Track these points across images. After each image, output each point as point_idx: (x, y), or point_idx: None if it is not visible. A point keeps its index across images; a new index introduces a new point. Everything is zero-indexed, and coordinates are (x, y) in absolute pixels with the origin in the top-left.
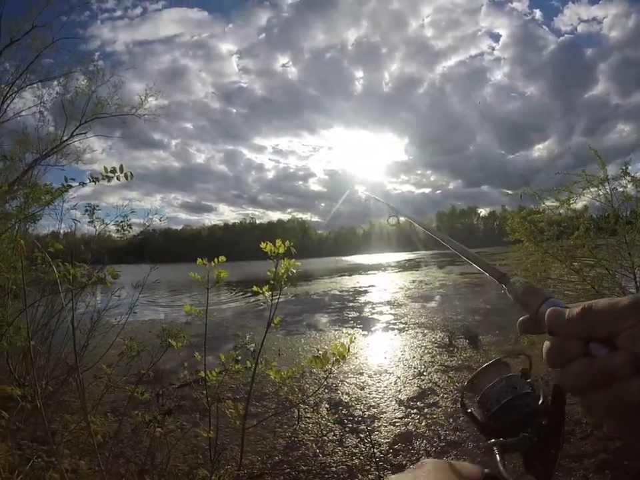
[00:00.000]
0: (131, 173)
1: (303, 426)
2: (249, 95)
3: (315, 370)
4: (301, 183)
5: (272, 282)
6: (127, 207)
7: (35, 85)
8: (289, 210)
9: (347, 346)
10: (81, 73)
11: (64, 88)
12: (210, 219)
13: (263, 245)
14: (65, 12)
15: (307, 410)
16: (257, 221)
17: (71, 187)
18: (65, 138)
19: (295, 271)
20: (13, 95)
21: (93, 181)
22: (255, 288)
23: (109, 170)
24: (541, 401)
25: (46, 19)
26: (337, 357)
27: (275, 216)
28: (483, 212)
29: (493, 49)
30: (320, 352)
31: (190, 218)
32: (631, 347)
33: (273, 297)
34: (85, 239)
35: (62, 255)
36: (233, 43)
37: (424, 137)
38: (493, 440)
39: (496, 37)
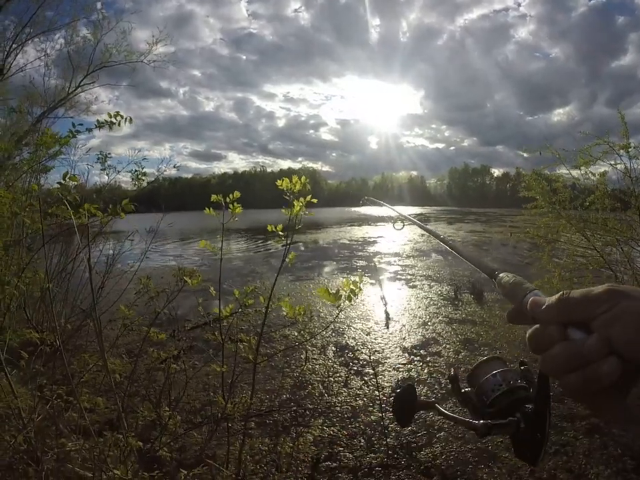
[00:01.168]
0: (130, 117)
1: (310, 367)
2: (258, 41)
3: (322, 314)
4: (312, 131)
5: (288, 221)
6: (138, 156)
7: (38, 38)
8: (300, 159)
9: (358, 283)
10: (84, 23)
11: (69, 38)
12: (220, 167)
13: (279, 183)
14: None
15: (314, 352)
16: (268, 169)
17: (79, 132)
18: (72, 89)
19: (308, 212)
20: (17, 50)
21: (99, 127)
22: (269, 227)
23: (112, 115)
24: (531, 390)
25: None
26: (349, 294)
27: (285, 164)
28: (496, 172)
29: (519, 4)
30: (318, 293)
31: (199, 166)
32: (603, 331)
33: (288, 235)
34: (97, 188)
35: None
36: None
37: (440, 91)
38: (482, 421)
39: None
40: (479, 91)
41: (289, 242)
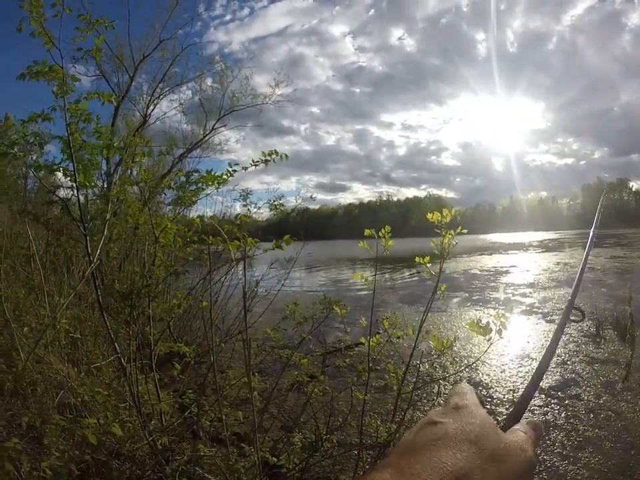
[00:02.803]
0: (285, 154)
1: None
2: (369, 72)
3: (456, 348)
4: (433, 157)
5: (436, 252)
6: (274, 191)
7: (170, 91)
8: (423, 186)
9: (507, 316)
10: (210, 74)
11: (199, 88)
12: (345, 198)
13: (429, 216)
14: (183, 25)
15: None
16: (394, 198)
17: (235, 171)
18: (206, 133)
19: (457, 242)
20: (155, 102)
21: (254, 165)
22: (417, 258)
23: (266, 154)
24: None
25: (167, 33)
26: (500, 327)
27: (409, 192)
28: (634, 185)
29: None
30: (460, 330)
31: (325, 198)
32: None
33: (440, 267)
34: (244, 219)
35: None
36: (344, 23)
37: (561, 100)
38: None
39: None
40: (602, 94)
41: (440, 271)
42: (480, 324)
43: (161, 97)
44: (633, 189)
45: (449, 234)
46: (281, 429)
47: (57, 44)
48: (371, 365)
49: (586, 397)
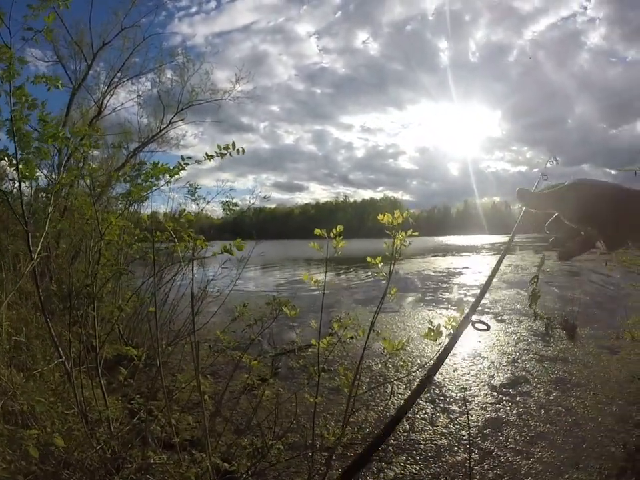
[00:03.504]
0: (243, 148)
1: (395, 402)
2: (331, 74)
3: (409, 348)
4: (391, 160)
5: (387, 253)
6: (225, 187)
7: (129, 82)
8: (380, 188)
9: (458, 320)
10: (170, 67)
11: (158, 81)
12: (302, 198)
13: (380, 217)
14: (147, 13)
15: (399, 386)
16: (350, 200)
17: (187, 164)
18: (163, 126)
19: (408, 243)
20: (111, 92)
21: (208, 158)
22: (368, 259)
23: (222, 147)
24: None
25: (130, 21)
26: (450, 331)
27: (366, 194)
28: None
29: (585, 8)
30: (413, 330)
31: (282, 197)
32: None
33: (390, 268)
34: (189, 217)
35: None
36: (310, 23)
37: (517, 110)
38: None
39: None
40: (557, 107)
41: (390, 273)
42: (432, 331)
43: (119, 87)
44: None
45: (400, 236)
46: (234, 432)
47: (6, 22)
48: (323, 366)
49: (537, 394)
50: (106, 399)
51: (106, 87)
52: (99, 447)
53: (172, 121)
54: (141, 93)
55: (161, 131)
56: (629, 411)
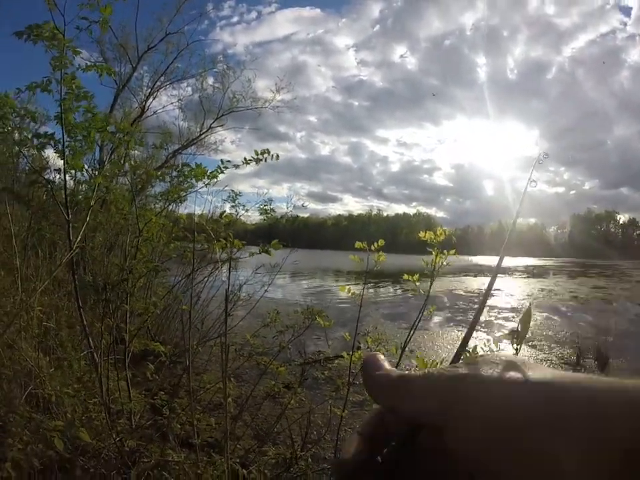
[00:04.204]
0: (277, 154)
1: None
2: (369, 87)
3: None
4: (426, 176)
5: (426, 272)
6: (264, 195)
7: (171, 86)
8: (414, 204)
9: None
10: (211, 73)
11: (200, 86)
12: (335, 209)
13: (422, 234)
14: (190, 21)
15: None
16: (384, 213)
17: (227, 167)
18: (203, 131)
19: (448, 262)
20: (153, 95)
21: (246, 163)
22: (405, 275)
23: (259, 152)
24: None
25: (174, 27)
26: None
27: (399, 209)
28: (622, 218)
29: (625, 24)
30: (442, 350)
31: (316, 207)
32: None
33: (429, 287)
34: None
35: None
36: (349, 36)
37: (556, 129)
38: None
39: (626, 11)
40: (597, 127)
41: (429, 291)
42: (468, 353)
43: (161, 90)
44: (620, 222)
45: (441, 254)
46: (253, 437)
47: (60, 9)
48: (351, 379)
49: None
50: (130, 392)
51: (149, 90)
52: (118, 438)
53: (212, 125)
54: (182, 97)
55: (200, 135)
56: None
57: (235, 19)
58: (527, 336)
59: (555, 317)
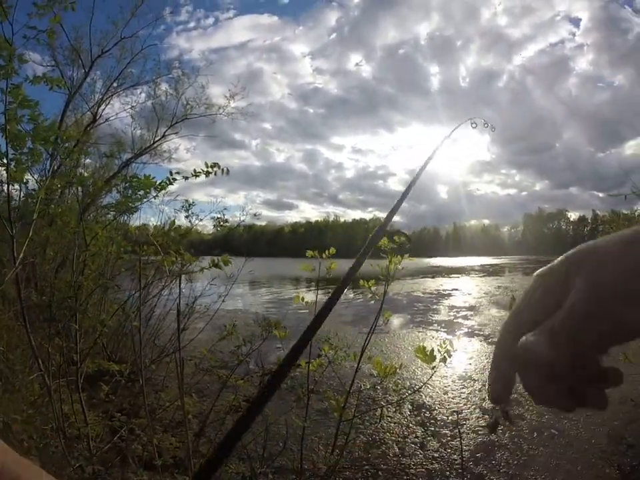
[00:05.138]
0: (227, 169)
1: (385, 425)
2: (324, 94)
3: (399, 371)
4: (380, 182)
5: (380, 277)
6: (218, 204)
7: (124, 92)
8: (370, 209)
9: (453, 346)
10: (165, 79)
11: (153, 93)
12: (291, 216)
13: (382, 242)
14: (146, 25)
15: (389, 409)
16: (340, 219)
17: (175, 179)
18: (157, 139)
19: (402, 268)
20: (106, 101)
21: (196, 175)
22: (361, 282)
23: (209, 165)
24: None
25: (129, 31)
26: (445, 355)
27: (355, 215)
28: (572, 216)
29: (574, 34)
30: (403, 352)
31: (272, 214)
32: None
33: (384, 292)
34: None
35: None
36: (305, 44)
37: (507, 135)
38: None
39: (576, 22)
40: (546, 132)
41: (384, 296)
42: (425, 352)
43: (114, 96)
44: (571, 219)
45: (395, 259)
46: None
47: (9, 18)
48: (311, 387)
49: (529, 416)
50: (86, 415)
51: (101, 96)
52: (77, 464)
53: (166, 133)
54: (135, 103)
55: (154, 143)
56: (622, 432)
57: (192, 24)
58: (487, 333)
59: None
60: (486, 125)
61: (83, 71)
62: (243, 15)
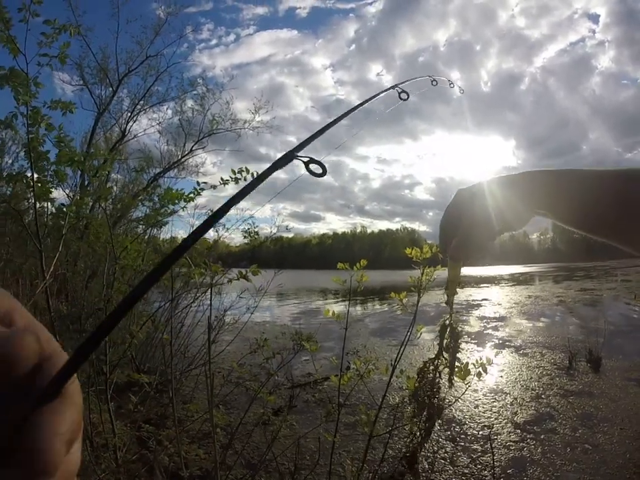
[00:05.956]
0: (256, 172)
1: (415, 440)
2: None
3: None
4: (407, 191)
5: (412, 288)
6: (245, 215)
7: (151, 109)
8: (397, 219)
9: (490, 360)
10: (190, 97)
11: (179, 109)
12: (318, 228)
13: (408, 251)
14: (170, 44)
15: (419, 425)
16: (367, 230)
17: (203, 189)
18: (184, 154)
19: (435, 278)
20: (135, 118)
21: (224, 183)
22: (392, 294)
23: (236, 171)
24: None
25: (153, 50)
26: (480, 371)
27: (382, 225)
28: None
29: (594, 31)
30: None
31: (299, 227)
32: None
33: (417, 304)
34: (206, 244)
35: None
36: (325, 56)
37: (532, 138)
38: None
39: (594, 18)
40: (571, 133)
41: (416, 308)
42: (460, 369)
43: (141, 113)
44: None
45: (428, 271)
46: (245, 466)
47: (22, 50)
48: (341, 400)
49: (562, 431)
50: (114, 425)
51: (129, 113)
52: (103, 474)
53: (193, 148)
54: (162, 120)
55: (181, 158)
56: None
57: (214, 41)
58: (518, 344)
59: (544, 323)
60: (451, 85)
61: (111, 89)
62: (262, 30)
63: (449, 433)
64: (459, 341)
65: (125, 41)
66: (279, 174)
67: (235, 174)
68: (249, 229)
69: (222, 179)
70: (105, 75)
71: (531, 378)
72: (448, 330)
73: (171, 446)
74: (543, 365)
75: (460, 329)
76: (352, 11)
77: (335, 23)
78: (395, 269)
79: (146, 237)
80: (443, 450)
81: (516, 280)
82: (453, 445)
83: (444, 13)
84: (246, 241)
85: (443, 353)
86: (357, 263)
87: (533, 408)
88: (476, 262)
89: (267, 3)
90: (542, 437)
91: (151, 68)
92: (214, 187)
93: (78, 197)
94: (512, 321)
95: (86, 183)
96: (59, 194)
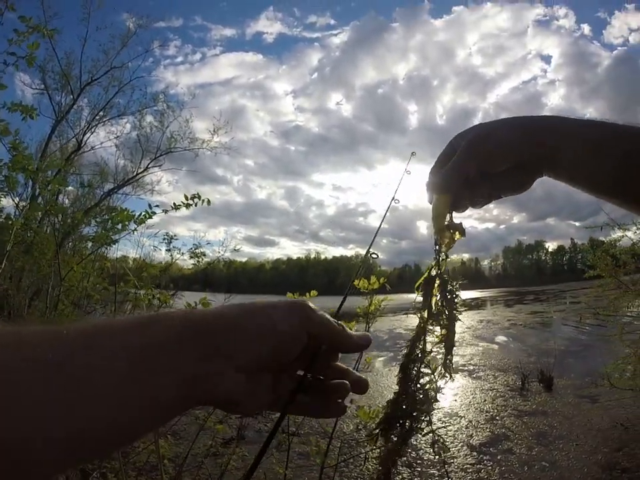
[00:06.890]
0: (208, 199)
1: (371, 467)
2: (305, 132)
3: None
4: (361, 219)
5: (361, 317)
6: (200, 238)
7: (109, 121)
8: (351, 246)
9: (439, 388)
10: (150, 112)
11: (139, 124)
12: (273, 253)
13: (356, 282)
14: (136, 56)
15: (374, 450)
16: (321, 256)
17: (154, 213)
18: (140, 170)
19: (382, 308)
20: (92, 129)
21: (175, 208)
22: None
23: (189, 197)
24: None
25: (119, 61)
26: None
27: (336, 252)
28: (550, 246)
29: (546, 71)
30: (387, 390)
31: (253, 251)
32: None
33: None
34: (160, 265)
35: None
36: (288, 82)
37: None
38: None
39: (547, 59)
40: None
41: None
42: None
43: (100, 125)
44: (550, 249)
45: (376, 301)
46: None
47: None
48: (292, 429)
49: (518, 450)
50: None
51: (87, 124)
52: None
53: (149, 166)
54: (120, 134)
55: (137, 174)
56: (615, 457)
57: (180, 58)
58: (471, 368)
59: (496, 346)
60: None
61: (71, 97)
62: (229, 52)
63: (404, 458)
64: (456, 304)
65: (92, 49)
66: (235, 197)
67: (187, 199)
68: (195, 248)
69: (174, 203)
70: (67, 82)
71: (485, 400)
72: (436, 284)
73: (116, 479)
74: (496, 387)
75: (455, 284)
76: (317, 40)
77: (299, 51)
78: (350, 294)
79: (94, 256)
80: (400, 476)
81: (468, 305)
82: (409, 470)
83: (405, 48)
84: (194, 262)
85: (432, 323)
86: (307, 292)
87: (488, 430)
88: (457, 208)
89: (235, 26)
90: (499, 457)
91: (114, 79)
92: (165, 211)
93: (27, 209)
94: (465, 346)
95: (37, 193)
96: (7, 202)
